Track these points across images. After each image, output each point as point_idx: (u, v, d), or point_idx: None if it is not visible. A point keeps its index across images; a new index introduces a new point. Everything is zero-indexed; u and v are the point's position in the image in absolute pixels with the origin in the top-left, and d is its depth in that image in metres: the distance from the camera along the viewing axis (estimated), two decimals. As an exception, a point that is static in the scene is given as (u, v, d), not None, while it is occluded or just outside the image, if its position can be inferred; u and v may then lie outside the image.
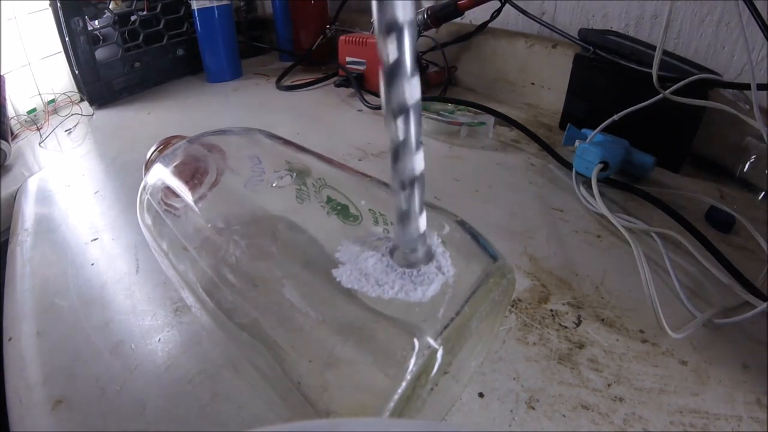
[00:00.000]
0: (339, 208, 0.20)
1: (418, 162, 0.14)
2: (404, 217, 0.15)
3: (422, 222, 0.15)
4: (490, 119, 0.49)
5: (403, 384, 0.13)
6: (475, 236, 0.19)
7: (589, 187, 0.38)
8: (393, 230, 0.18)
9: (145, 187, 0.26)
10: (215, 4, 0.70)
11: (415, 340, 0.14)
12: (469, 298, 0.15)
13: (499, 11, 0.57)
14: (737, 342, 0.26)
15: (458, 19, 0.58)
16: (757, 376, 0.23)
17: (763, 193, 0.39)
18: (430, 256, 0.16)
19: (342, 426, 0.09)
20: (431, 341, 0.14)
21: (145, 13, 0.70)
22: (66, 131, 0.60)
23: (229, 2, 0.72)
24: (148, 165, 0.30)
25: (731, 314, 0.27)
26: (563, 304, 0.28)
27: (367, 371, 0.14)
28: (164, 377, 0.24)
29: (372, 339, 0.15)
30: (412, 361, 0.14)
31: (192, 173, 0.25)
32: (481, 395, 0.22)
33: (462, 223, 0.19)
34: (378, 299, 0.15)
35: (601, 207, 0.35)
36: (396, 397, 0.13)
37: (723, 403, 0.22)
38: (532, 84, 0.60)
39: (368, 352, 0.15)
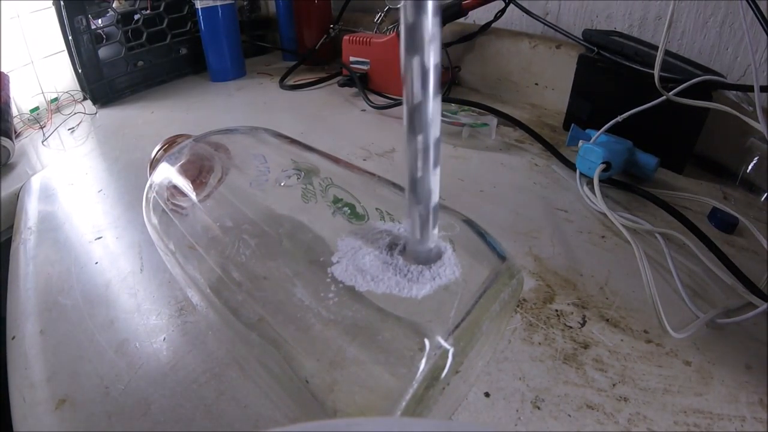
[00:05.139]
0: (345, 207, 0.20)
1: (434, 189, 0.14)
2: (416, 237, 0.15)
3: (434, 236, 0.16)
4: (493, 120, 0.49)
5: (414, 384, 0.13)
6: (483, 236, 0.19)
7: (592, 188, 0.38)
8: (395, 226, 0.18)
9: (151, 185, 0.26)
10: (219, 3, 0.70)
11: (426, 341, 0.14)
12: (479, 299, 0.15)
13: (502, 11, 0.58)
14: (740, 342, 0.26)
15: (462, 19, 0.58)
16: (759, 376, 0.23)
17: (766, 194, 0.39)
18: (438, 256, 0.16)
19: (355, 426, 0.09)
20: (442, 341, 0.14)
21: (148, 11, 0.70)
22: (69, 130, 0.61)
23: (232, 1, 0.72)
24: (153, 164, 0.30)
25: (734, 315, 0.27)
26: (568, 304, 0.28)
27: (377, 371, 0.14)
28: (169, 376, 0.24)
29: (382, 339, 0.15)
30: (423, 361, 0.14)
31: (198, 172, 0.25)
32: (487, 395, 0.22)
33: (470, 223, 0.19)
34: (389, 299, 0.15)
35: (602, 207, 0.35)
36: (408, 396, 0.13)
37: (726, 403, 0.22)
38: (536, 84, 0.60)
39: (378, 352, 0.15)
